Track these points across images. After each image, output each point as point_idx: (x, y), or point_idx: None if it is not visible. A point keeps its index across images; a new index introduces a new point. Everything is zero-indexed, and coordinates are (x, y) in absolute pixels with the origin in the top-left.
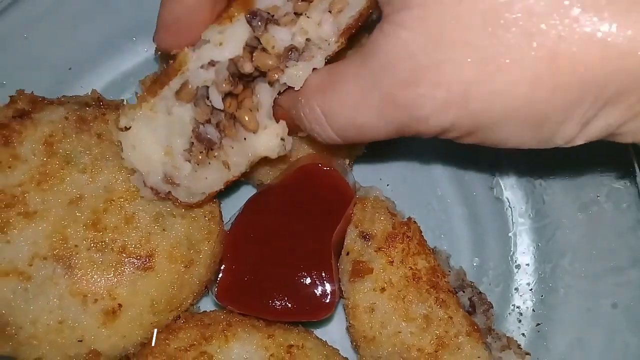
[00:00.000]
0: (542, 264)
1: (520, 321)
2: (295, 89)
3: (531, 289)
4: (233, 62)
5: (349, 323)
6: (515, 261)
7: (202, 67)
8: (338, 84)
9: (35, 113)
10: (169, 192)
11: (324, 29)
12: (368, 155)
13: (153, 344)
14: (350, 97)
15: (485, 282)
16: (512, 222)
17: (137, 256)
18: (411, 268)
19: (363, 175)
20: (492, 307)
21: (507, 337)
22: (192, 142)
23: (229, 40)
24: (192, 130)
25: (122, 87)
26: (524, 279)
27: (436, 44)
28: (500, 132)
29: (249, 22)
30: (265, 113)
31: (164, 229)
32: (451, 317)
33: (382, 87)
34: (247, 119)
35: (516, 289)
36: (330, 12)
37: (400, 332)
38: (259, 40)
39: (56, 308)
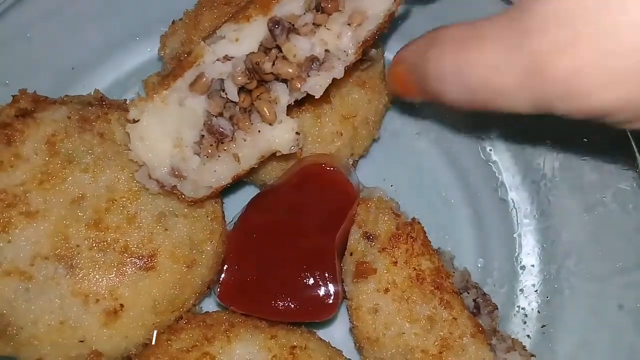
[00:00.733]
0: (547, 265)
1: (525, 322)
2: (316, 97)
3: (536, 290)
4: (250, 59)
5: (353, 324)
6: (520, 262)
7: (218, 60)
8: (481, 39)
9: (38, 112)
10: (175, 185)
11: (343, 41)
12: (372, 156)
13: (153, 344)
14: (493, 55)
15: (490, 283)
16: (517, 223)
17: (139, 256)
18: (415, 269)
19: (367, 175)
20: (496, 309)
21: (512, 338)
22: (203, 135)
23: (246, 37)
24: (204, 123)
25: (125, 87)
26: (529, 280)
27: (607, 5)
28: None
29: (271, 30)
30: (281, 108)
31: (166, 229)
32: (455, 319)
33: (533, 51)
34: (265, 109)
35: (521, 290)
36: (349, 24)
37: (404, 333)
38: (278, 47)
39: (57, 308)
